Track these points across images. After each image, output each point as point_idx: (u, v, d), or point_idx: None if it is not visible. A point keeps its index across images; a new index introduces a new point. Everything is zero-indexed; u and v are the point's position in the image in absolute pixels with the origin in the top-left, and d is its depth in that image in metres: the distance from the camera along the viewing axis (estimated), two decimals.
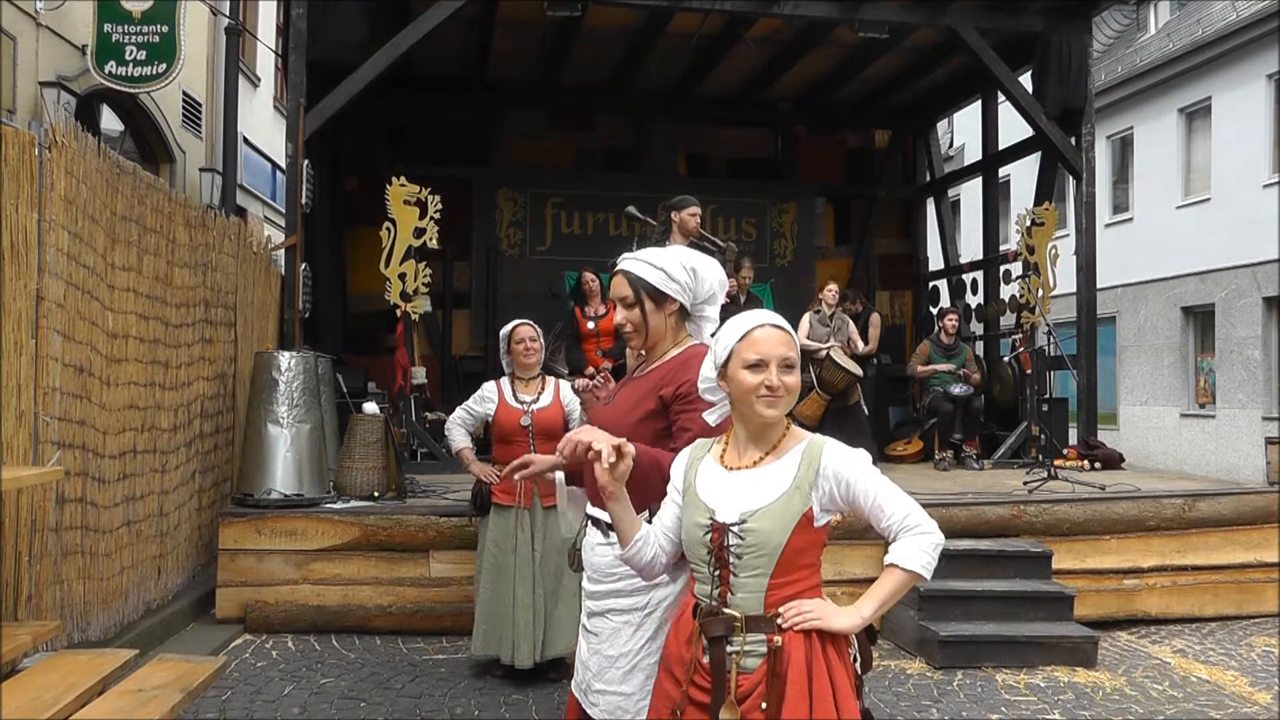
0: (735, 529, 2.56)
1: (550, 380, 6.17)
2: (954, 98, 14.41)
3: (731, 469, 2.68)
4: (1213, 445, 19.75)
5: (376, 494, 7.86)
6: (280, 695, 5.77)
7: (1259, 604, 7.91)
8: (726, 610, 2.57)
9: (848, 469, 2.59)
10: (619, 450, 2.62)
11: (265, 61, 18.00)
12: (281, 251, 9.83)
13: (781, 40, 11.85)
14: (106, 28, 10.89)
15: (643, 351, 3.24)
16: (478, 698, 5.77)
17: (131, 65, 10.96)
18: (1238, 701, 5.95)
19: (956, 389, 10.88)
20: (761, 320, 2.67)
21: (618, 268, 3.16)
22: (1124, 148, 22.95)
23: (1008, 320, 12.36)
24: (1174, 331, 21.00)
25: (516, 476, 3.21)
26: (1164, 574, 7.78)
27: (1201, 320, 20.60)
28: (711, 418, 2.84)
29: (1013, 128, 12.93)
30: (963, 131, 25.17)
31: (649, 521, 2.83)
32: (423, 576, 7.26)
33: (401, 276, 9.47)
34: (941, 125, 17.13)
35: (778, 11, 9.92)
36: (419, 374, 10.18)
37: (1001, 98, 12.47)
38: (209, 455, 7.99)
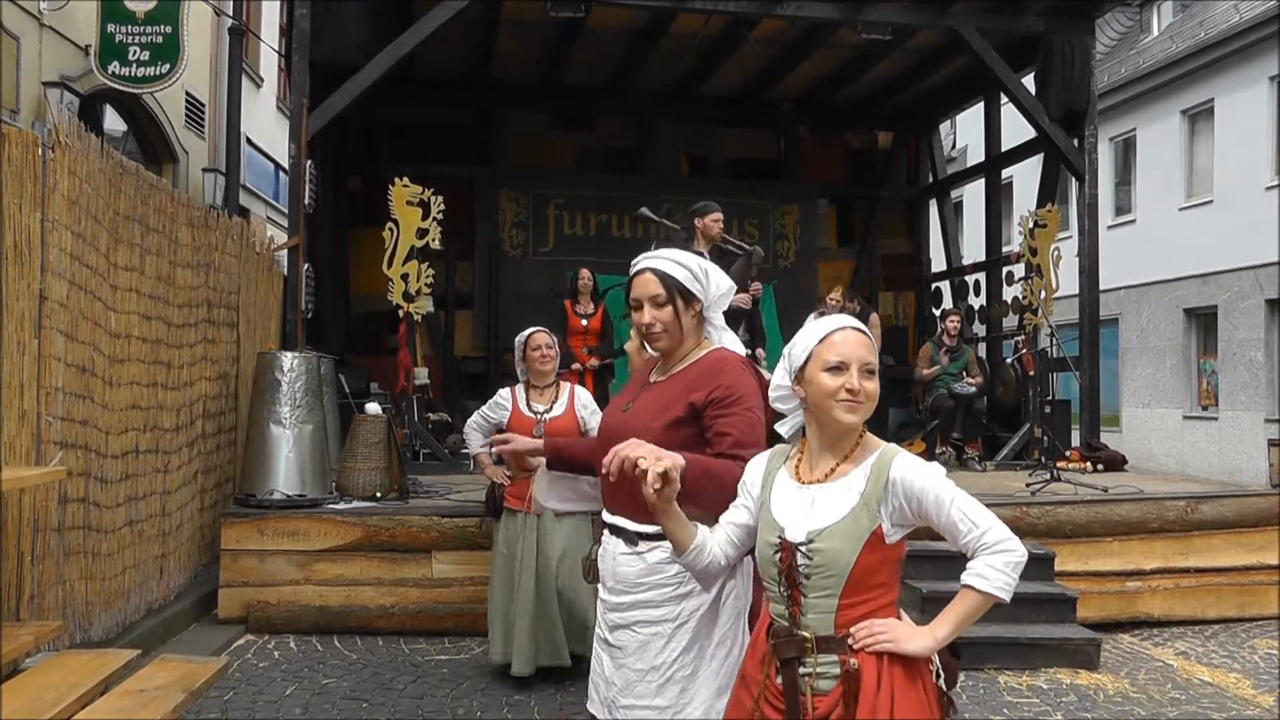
0: (803, 549, 2.48)
1: (565, 387, 6.08)
2: (956, 99, 14.42)
3: (804, 483, 2.58)
4: (1215, 447, 19.73)
5: (379, 494, 7.86)
6: (282, 696, 5.77)
7: (1262, 606, 7.90)
8: (798, 631, 2.49)
9: (918, 482, 2.48)
10: (665, 476, 2.49)
11: (268, 62, 18.00)
12: (284, 252, 9.84)
13: (784, 41, 11.85)
14: (110, 28, 10.89)
15: (653, 353, 3.18)
16: (480, 698, 5.77)
17: (135, 65, 10.96)
18: (1240, 704, 5.94)
19: (959, 389, 10.87)
20: (842, 323, 2.59)
21: (643, 266, 3.08)
22: (1127, 150, 22.93)
23: (1010, 322, 12.35)
24: (1176, 333, 20.98)
25: (494, 450, 3.31)
26: (1166, 576, 7.78)
27: (1204, 322, 20.58)
28: (784, 429, 2.74)
29: (1015, 129, 12.92)
30: (965, 133, 25.17)
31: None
32: (425, 577, 7.26)
33: (404, 277, 9.48)
34: (944, 126, 17.13)
35: (780, 12, 9.93)
36: (421, 374, 10.18)
37: (1004, 99, 12.46)
38: (211, 455, 7.99)
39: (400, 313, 9.64)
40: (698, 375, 3.01)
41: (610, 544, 3.04)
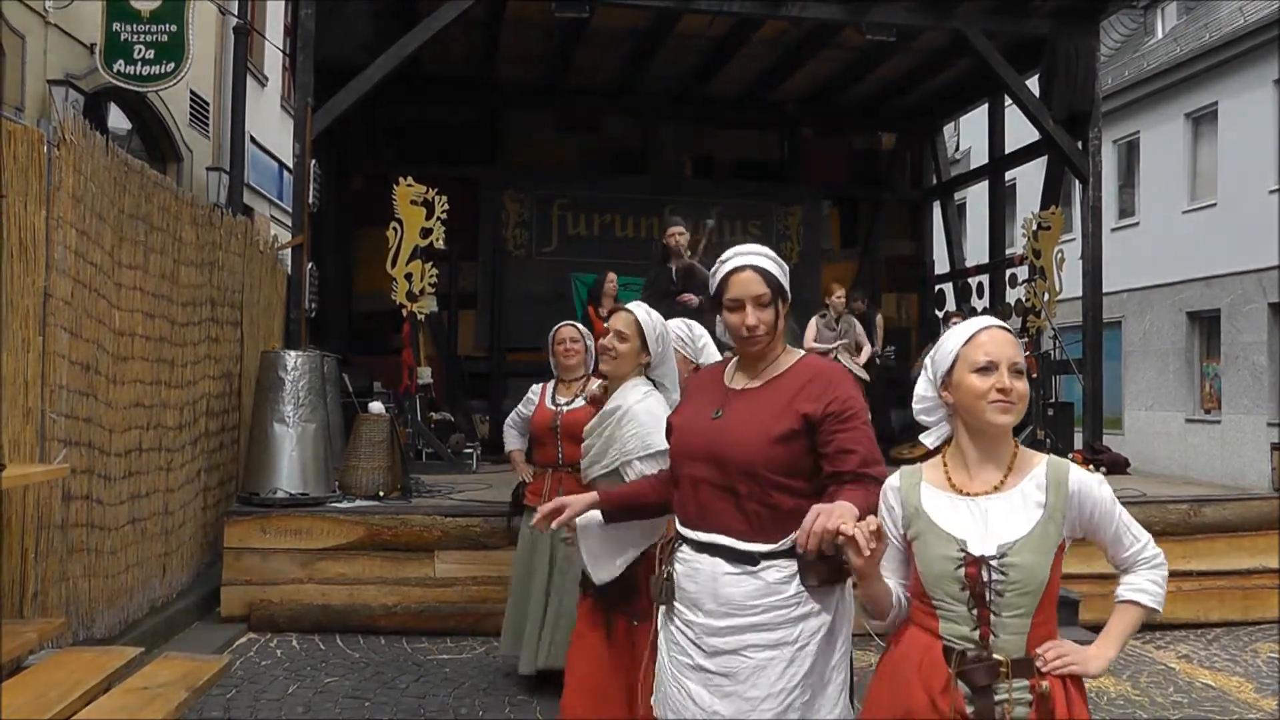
0: (994, 563, 2.36)
1: (596, 382, 5.77)
2: (961, 101, 14.42)
3: (968, 494, 2.46)
4: (1218, 451, 19.71)
5: (381, 494, 7.86)
6: (285, 694, 5.77)
7: (1264, 610, 7.89)
8: (993, 655, 2.37)
9: (1093, 494, 2.43)
10: (879, 533, 2.36)
11: (273, 61, 18.02)
12: (288, 251, 9.84)
13: (788, 42, 11.85)
14: (115, 27, 10.90)
15: (719, 356, 3.12)
16: (482, 698, 5.77)
17: (140, 64, 10.98)
18: (1243, 707, 5.94)
19: None
20: (987, 322, 2.51)
21: (743, 264, 2.86)
22: (1130, 152, 22.92)
23: (1014, 324, 12.34)
24: (1179, 336, 20.97)
25: (554, 525, 3.14)
26: (1169, 579, 7.74)
27: (1207, 325, 20.57)
28: (929, 440, 2.63)
29: (1019, 131, 12.92)
30: (969, 135, 25.15)
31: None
32: (427, 576, 7.26)
33: (408, 276, 9.48)
34: (948, 128, 17.10)
35: (785, 13, 9.92)
36: (424, 374, 10.19)
37: (1008, 101, 12.45)
38: (214, 454, 8.00)
39: (404, 312, 9.65)
40: (803, 384, 2.82)
41: (705, 563, 2.80)
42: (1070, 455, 10.57)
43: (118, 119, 13.07)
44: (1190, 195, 20.93)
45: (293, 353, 7.89)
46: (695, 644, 2.80)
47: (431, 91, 13.17)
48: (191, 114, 14.50)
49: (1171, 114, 21.34)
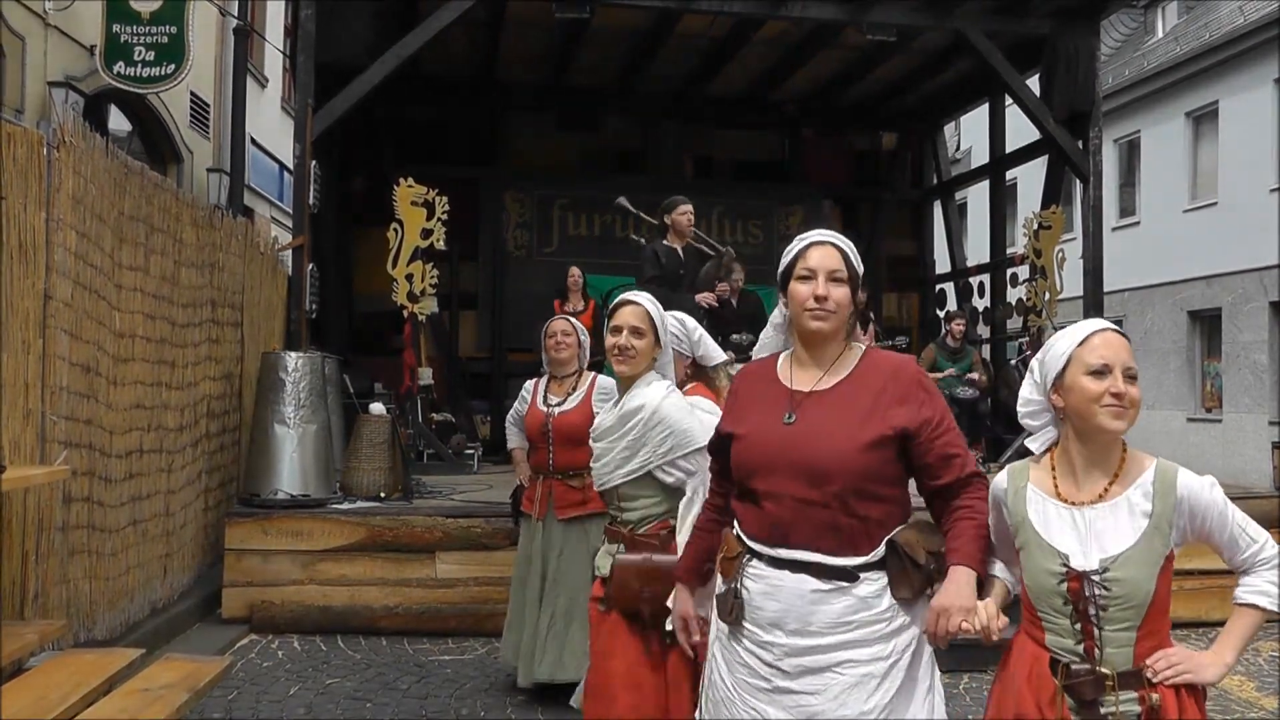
0: (1096, 578, 2.33)
1: (588, 378, 5.58)
2: (961, 100, 14.41)
3: (1073, 503, 2.43)
4: (1219, 450, 19.70)
5: (383, 495, 7.86)
6: (286, 695, 5.77)
7: None
8: (1098, 668, 2.34)
9: (1203, 496, 2.39)
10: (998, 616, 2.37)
11: (273, 62, 18.03)
12: (289, 252, 9.84)
13: (789, 42, 11.85)
14: (115, 28, 10.91)
15: (764, 346, 2.94)
16: (483, 699, 5.77)
17: (140, 66, 10.99)
18: (1244, 706, 5.94)
19: (962, 392, 10.87)
20: (1101, 325, 2.46)
21: (823, 238, 2.74)
22: (1131, 151, 22.92)
23: (1014, 323, 12.33)
24: (1180, 336, 20.96)
25: (692, 642, 2.96)
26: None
27: (1208, 325, 20.57)
28: (1035, 444, 2.59)
29: (1020, 131, 12.91)
30: (970, 134, 25.15)
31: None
32: (429, 577, 7.25)
33: (409, 277, 9.47)
34: (949, 128, 17.11)
35: (786, 13, 9.91)
36: (425, 375, 10.19)
37: (1009, 101, 12.44)
38: (215, 455, 7.99)
39: (405, 313, 9.64)
40: (883, 384, 2.66)
41: (789, 581, 2.61)
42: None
43: (118, 121, 13.08)
44: (1191, 194, 20.93)
45: (293, 354, 7.89)
46: (774, 666, 2.62)
47: (432, 92, 13.16)
48: (192, 115, 14.51)
49: (1172, 113, 21.34)
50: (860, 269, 2.74)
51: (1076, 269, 10.96)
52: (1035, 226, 11.06)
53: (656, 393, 3.46)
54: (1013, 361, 12.42)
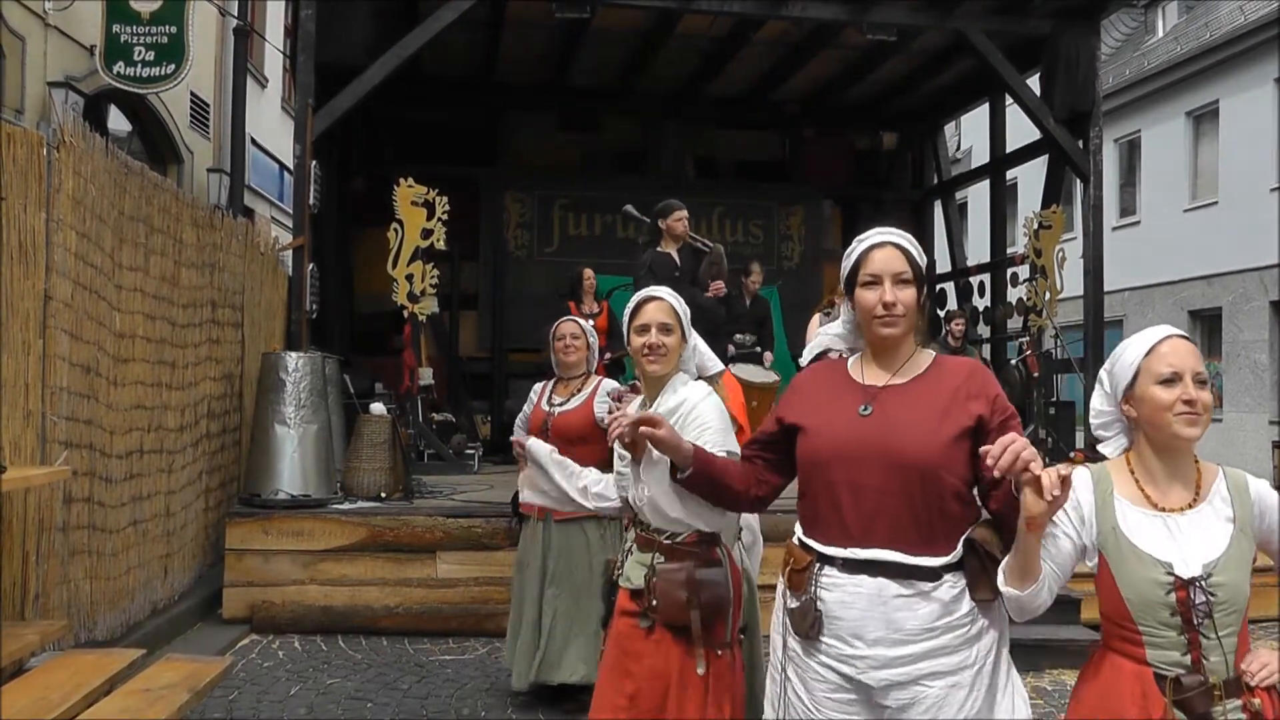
0: (1202, 585, 2.30)
1: (594, 381, 5.54)
2: (961, 100, 14.41)
3: (1163, 509, 2.40)
4: (1220, 449, 19.67)
5: (383, 495, 7.86)
6: (287, 695, 5.77)
7: (1264, 608, 7.79)
8: (1206, 679, 2.31)
9: (1270, 500, 2.38)
10: (1065, 481, 2.24)
11: (273, 62, 18.03)
12: (289, 252, 9.84)
13: (789, 42, 11.85)
14: (115, 28, 10.91)
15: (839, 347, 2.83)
16: (484, 699, 5.77)
17: (140, 66, 10.99)
18: None
19: None
20: (1168, 332, 2.44)
21: (884, 239, 2.66)
22: (1131, 151, 22.92)
23: (1015, 323, 12.33)
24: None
25: (639, 430, 2.70)
26: None
27: (1208, 324, 20.58)
28: (1108, 451, 2.56)
29: (1020, 131, 12.91)
30: (970, 134, 25.16)
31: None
32: (430, 577, 7.26)
33: (409, 277, 9.47)
34: (949, 128, 17.11)
35: (786, 14, 9.91)
36: (426, 375, 10.19)
37: (1009, 100, 12.44)
38: (216, 455, 7.99)
39: (405, 313, 9.64)
40: (961, 380, 2.62)
41: (867, 586, 2.53)
42: (1072, 454, 10.57)
43: (118, 121, 13.08)
44: (1191, 194, 20.94)
45: (294, 354, 7.89)
46: (857, 680, 2.52)
47: (432, 92, 13.17)
48: (192, 115, 14.51)
49: (1172, 112, 21.35)
50: (924, 262, 2.69)
51: (1077, 269, 10.97)
52: (1035, 226, 11.07)
53: (697, 390, 3.27)
54: (1013, 361, 12.42)
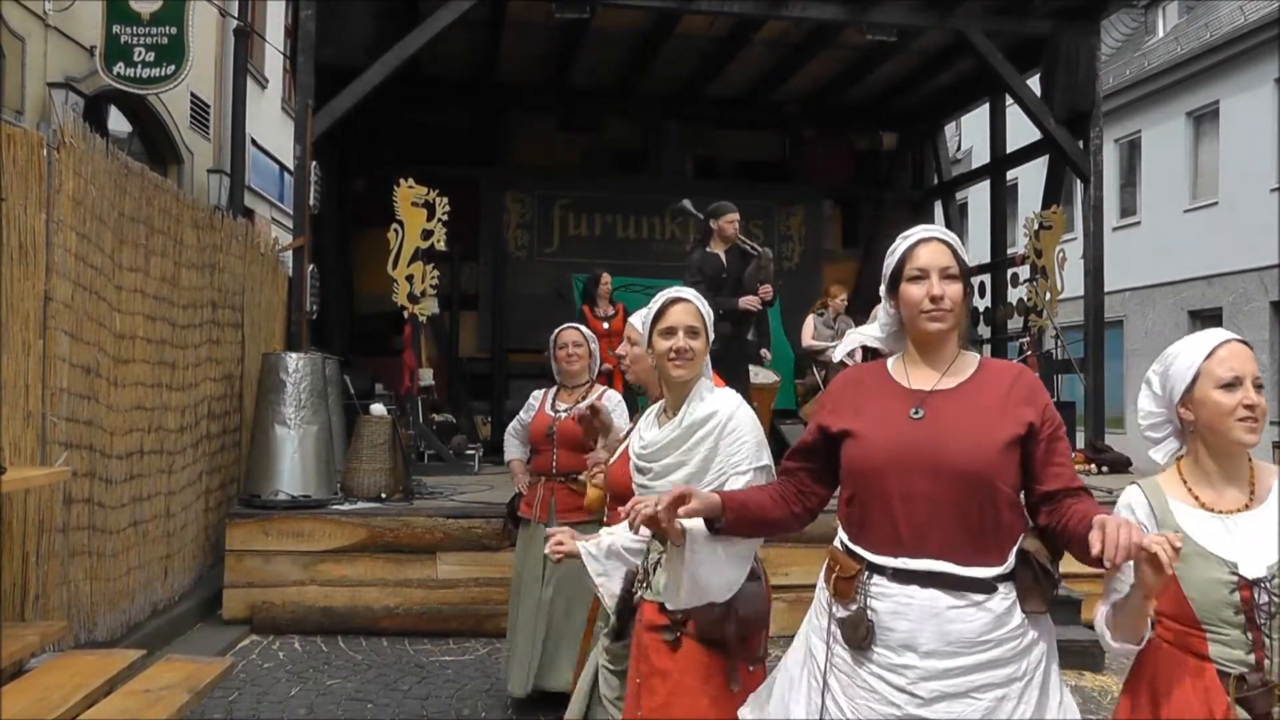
0: (1267, 586, 2.30)
1: (597, 389, 5.52)
2: (962, 100, 14.41)
3: (1220, 511, 2.41)
4: None
5: (383, 495, 7.86)
6: (287, 696, 5.77)
7: None
8: (1269, 677, 2.30)
9: None
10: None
11: (273, 63, 18.03)
12: (289, 253, 9.84)
13: (789, 43, 11.85)
14: (115, 29, 10.90)
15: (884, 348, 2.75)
16: (484, 699, 5.77)
17: (140, 67, 10.98)
18: None
19: None
20: (1226, 335, 2.45)
21: (932, 235, 2.63)
22: (1132, 151, 22.91)
23: (1015, 324, 12.33)
24: (1181, 335, 20.77)
25: (679, 513, 2.56)
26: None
27: (1208, 324, 20.40)
28: (1159, 455, 2.58)
29: (1020, 131, 12.91)
30: (970, 134, 25.15)
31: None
32: (430, 578, 7.26)
33: (409, 278, 9.46)
34: (949, 128, 17.12)
35: (786, 14, 9.91)
36: (426, 376, 10.19)
37: (1009, 101, 12.44)
38: (216, 456, 8.00)
39: (405, 314, 9.63)
40: (1010, 384, 2.57)
41: (920, 596, 2.46)
42: (1073, 454, 10.57)
43: (118, 122, 13.08)
44: (1191, 194, 20.94)
45: (294, 355, 7.89)
46: (907, 691, 2.45)
47: (432, 93, 13.17)
48: (192, 116, 14.51)
49: (1173, 113, 21.34)
50: (967, 261, 2.66)
51: (1077, 269, 10.97)
52: (1036, 226, 11.06)
53: (727, 400, 3.11)
54: (1013, 362, 12.40)
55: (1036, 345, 11.35)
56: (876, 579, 2.51)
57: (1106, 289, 11.15)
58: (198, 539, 7.59)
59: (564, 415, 5.40)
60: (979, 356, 2.66)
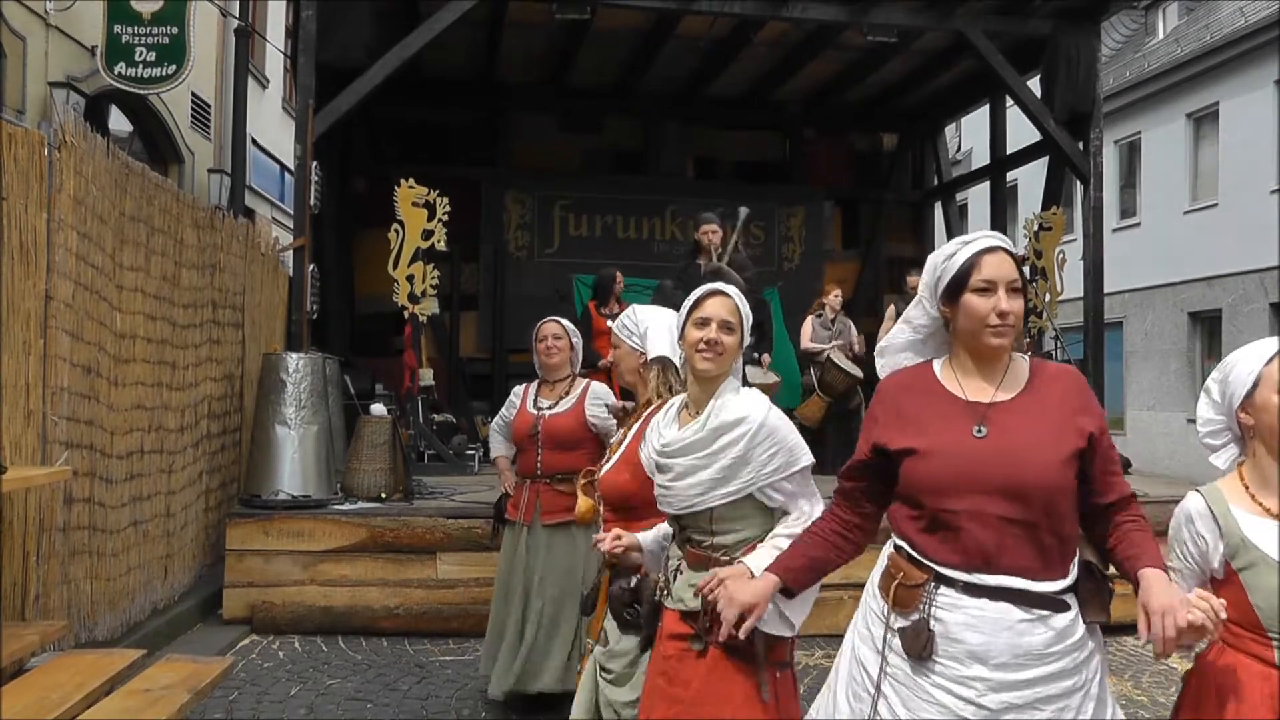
0: None
1: (580, 383, 5.36)
2: (962, 101, 14.41)
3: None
4: None
5: (384, 495, 7.87)
6: (287, 696, 5.77)
7: None
8: None
9: None
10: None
11: (274, 63, 18.04)
12: (290, 253, 9.84)
13: (790, 43, 11.85)
14: (116, 29, 10.91)
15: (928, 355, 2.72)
16: (484, 699, 5.75)
17: (141, 66, 10.98)
18: None
19: None
20: None
21: (995, 244, 2.58)
22: (1132, 152, 22.92)
23: None
24: (1181, 337, 20.96)
25: (743, 629, 2.61)
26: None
27: (1208, 325, 20.57)
28: (1220, 461, 2.61)
29: (1020, 132, 12.91)
30: (970, 135, 25.16)
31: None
32: (430, 578, 7.26)
33: (409, 278, 9.46)
34: (949, 129, 17.10)
35: (786, 14, 9.91)
36: (426, 376, 10.19)
37: (1009, 102, 12.44)
38: (216, 456, 8.00)
39: (405, 314, 9.63)
40: (1063, 393, 2.54)
41: (991, 610, 2.44)
42: None
43: (119, 121, 13.09)
44: (1191, 195, 20.94)
45: (294, 355, 7.90)
46: (975, 703, 2.43)
47: (433, 93, 13.16)
48: (193, 116, 14.51)
49: (1173, 114, 21.35)
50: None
51: (1077, 270, 10.97)
52: (1036, 228, 11.05)
53: (758, 404, 3.03)
54: None
55: (1036, 346, 11.34)
56: (944, 590, 2.48)
57: (1106, 290, 11.14)
58: (198, 539, 7.59)
59: (547, 413, 5.27)
60: (1027, 360, 2.63)
